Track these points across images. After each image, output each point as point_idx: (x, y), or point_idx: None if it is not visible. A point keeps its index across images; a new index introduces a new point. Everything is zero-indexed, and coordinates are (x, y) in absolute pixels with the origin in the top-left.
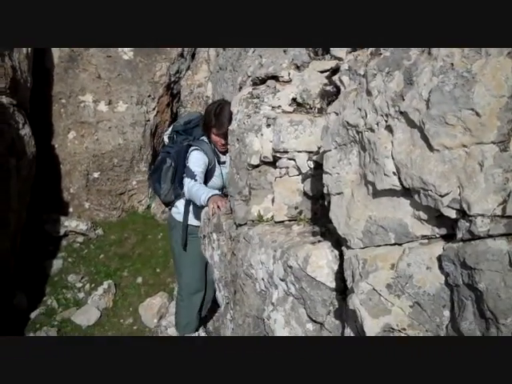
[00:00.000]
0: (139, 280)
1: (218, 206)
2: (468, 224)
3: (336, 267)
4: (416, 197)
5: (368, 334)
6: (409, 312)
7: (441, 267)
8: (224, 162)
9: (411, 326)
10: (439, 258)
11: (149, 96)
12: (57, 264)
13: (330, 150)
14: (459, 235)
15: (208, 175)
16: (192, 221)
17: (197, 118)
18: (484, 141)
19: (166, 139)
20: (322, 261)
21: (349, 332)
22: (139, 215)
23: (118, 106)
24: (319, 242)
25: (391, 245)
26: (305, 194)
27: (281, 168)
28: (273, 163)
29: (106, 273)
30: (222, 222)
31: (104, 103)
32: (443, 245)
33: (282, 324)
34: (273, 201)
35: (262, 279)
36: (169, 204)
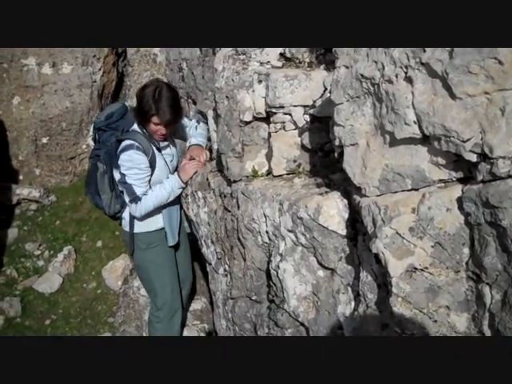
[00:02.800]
0: (99, 244)
1: (198, 163)
2: (489, 166)
3: (346, 216)
4: (436, 144)
5: (392, 275)
6: (431, 252)
7: (460, 208)
8: (166, 147)
9: (433, 265)
10: (459, 200)
11: (94, 56)
12: (12, 233)
13: (341, 103)
14: (479, 177)
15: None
16: (143, 227)
17: (120, 109)
18: (506, 87)
19: (91, 142)
20: (332, 210)
21: (364, 275)
22: None
23: (63, 68)
24: (326, 192)
25: (408, 190)
26: (303, 147)
27: (276, 123)
28: (265, 119)
29: (64, 239)
30: (210, 180)
31: (48, 65)
32: (461, 187)
33: (292, 273)
34: (267, 156)
35: (266, 232)
36: (117, 217)
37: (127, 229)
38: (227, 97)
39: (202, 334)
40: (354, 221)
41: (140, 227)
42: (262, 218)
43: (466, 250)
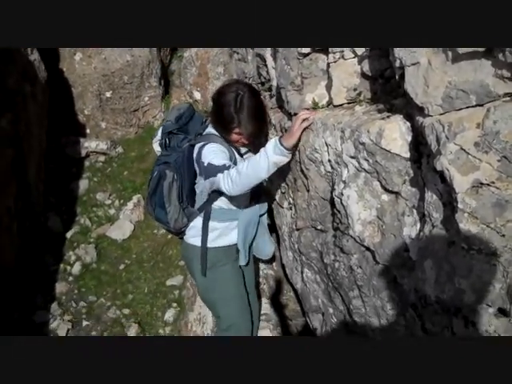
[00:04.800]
0: None
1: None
2: None
3: (409, 138)
4: (500, 56)
5: (458, 191)
6: (497, 166)
7: None
8: (248, 152)
9: (500, 179)
10: None
11: None
12: (83, 184)
13: None
14: None
15: None
16: (216, 242)
17: (188, 110)
18: None
19: (157, 148)
20: (395, 133)
21: (429, 195)
22: (155, 130)
23: None
24: (388, 117)
25: (472, 106)
26: (363, 75)
27: (334, 53)
28: (323, 49)
29: (132, 188)
30: (270, 117)
31: None
32: None
33: (356, 199)
34: (327, 87)
35: (329, 161)
36: (181, 232)
37: (198, 243)
38: None
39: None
40: (418, 144)
41: (210, 241)
42: (324, 148)
43: None
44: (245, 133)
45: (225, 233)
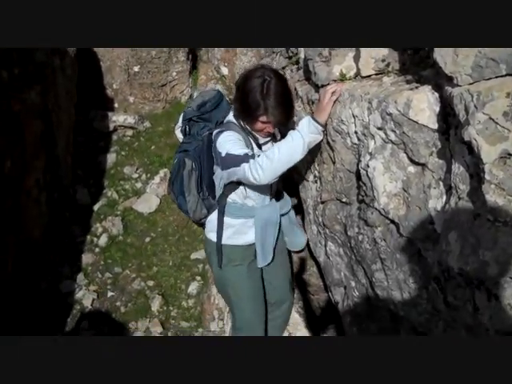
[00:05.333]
0: None
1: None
2: None
3: (438, 109)
4: None
5: (485, 162)
6: None
7: None
8: (267, 142)
9: None
10: None
11: None
12: (111, 158)
13: None
14: None
15: None
16: (232, 239)
17: (214, 98)
18: None
19: (178, 134)
20: (423, 104)
21: (456, 167)
22: (183, 105)
23: None
24: (417, 87)
25: (502, 76)
26: None
27: None
28: None
29: (159, 162)
30: (297, 89)
31: None
32: None
33: (381, 171)
34: (354, 58)
35: (355, 133)
36: (202, 224)
37: (214, 238)
38: None
39: None
40: (446, 115)
41: (225, 238)
42: (351, 119)
43: None
44: (273, 120)
45: (241, 230)
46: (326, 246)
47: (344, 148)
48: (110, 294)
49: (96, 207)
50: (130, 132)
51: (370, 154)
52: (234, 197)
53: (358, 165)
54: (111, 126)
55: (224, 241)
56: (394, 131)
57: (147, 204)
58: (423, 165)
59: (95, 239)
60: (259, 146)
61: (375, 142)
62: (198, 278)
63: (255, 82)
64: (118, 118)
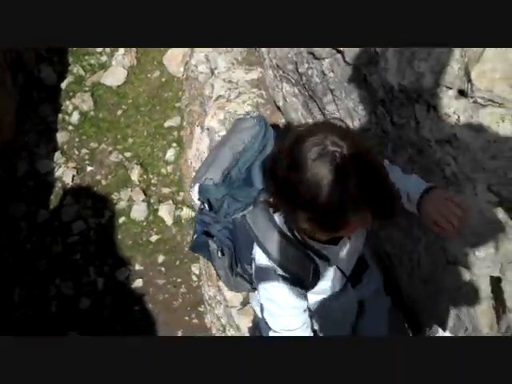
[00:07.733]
0: None
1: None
2: None
3: None
4: None
5: None
6: None
7: None
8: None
9: None
10: None
11: None
12: None
13: None
14: None
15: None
16: None
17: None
18: None
19: (196, 199)
20: None
21: None
22: None
23: None
24: None
25: None
26: None
27: None
28: None
29: None
30: None
31: None
32: None
33: None
34: None
35: None
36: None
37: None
38: None
39: None
40: None
41: None
42: None
43: None
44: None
45: None
46: (282, 88)
47: None
48: (89, 168)
49: (63, 85)
50: None
51: None
52: None
53: None
54: None
55: None
56: None
57: (115, 77)
58: None
59: (67, 117)
60: (326, 258)
61: None
62: (174, 144)
63: (321, 171)
64: None
